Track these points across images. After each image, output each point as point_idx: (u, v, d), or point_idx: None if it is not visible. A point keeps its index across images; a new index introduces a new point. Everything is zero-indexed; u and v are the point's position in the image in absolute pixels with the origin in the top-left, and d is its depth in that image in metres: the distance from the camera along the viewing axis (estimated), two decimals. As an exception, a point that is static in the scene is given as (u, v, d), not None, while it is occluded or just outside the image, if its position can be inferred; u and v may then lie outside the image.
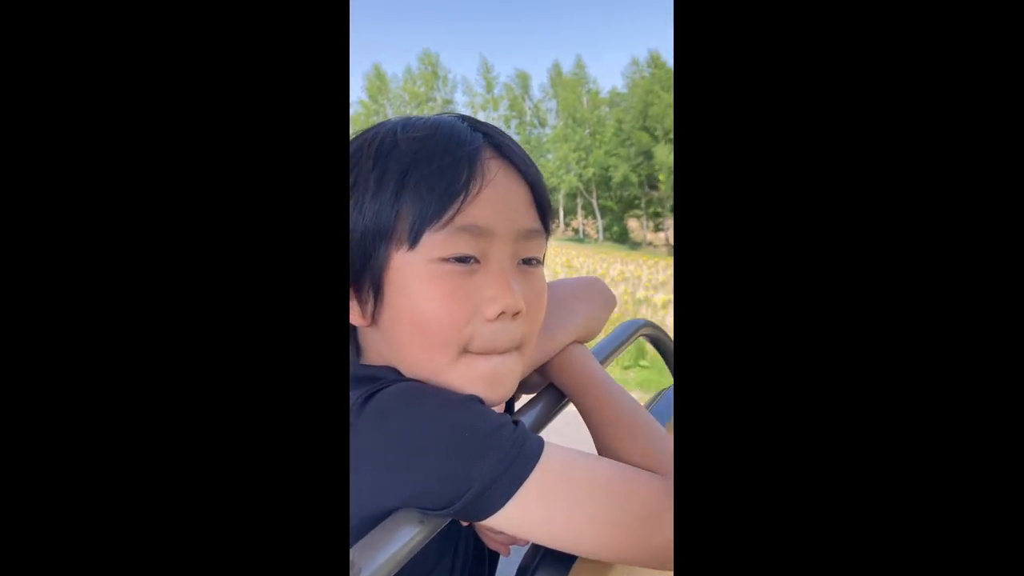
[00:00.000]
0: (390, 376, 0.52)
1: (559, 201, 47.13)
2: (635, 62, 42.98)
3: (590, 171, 43.65)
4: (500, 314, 0.51)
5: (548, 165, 44.90)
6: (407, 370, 0.53)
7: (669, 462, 0.53)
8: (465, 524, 0.59)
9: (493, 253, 0.52)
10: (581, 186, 44.68)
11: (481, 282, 0.51)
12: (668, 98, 36.79)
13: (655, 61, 40.83)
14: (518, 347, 0.55)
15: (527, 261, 0.55)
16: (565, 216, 48.69)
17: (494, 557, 0.69)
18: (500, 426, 0.48)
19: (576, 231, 47.56)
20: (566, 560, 0.54)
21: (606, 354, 0.80)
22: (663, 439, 0.56)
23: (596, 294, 0.72)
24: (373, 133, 0.54)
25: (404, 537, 0.44)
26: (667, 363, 1.06)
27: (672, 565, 0.46)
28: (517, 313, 0.52)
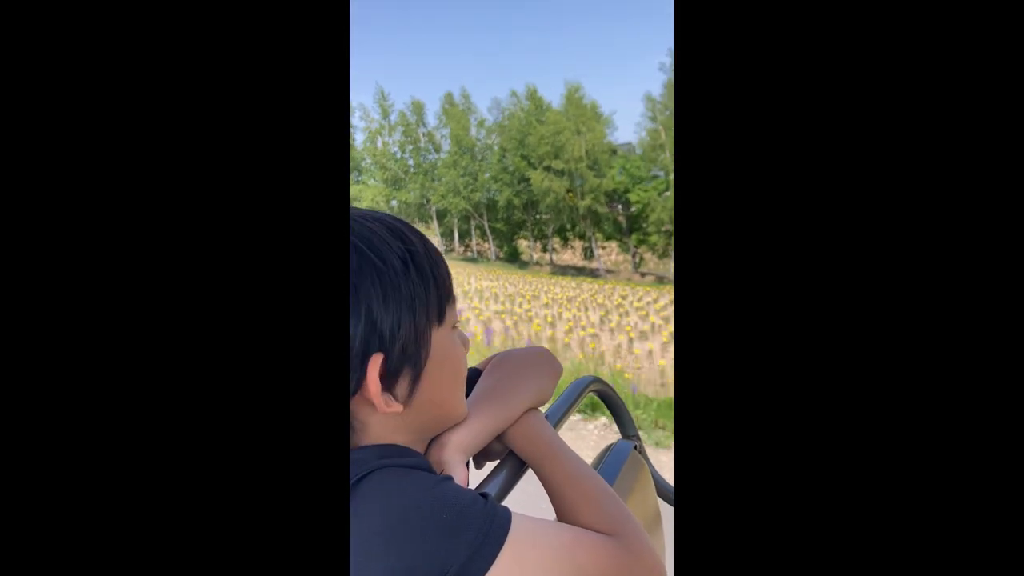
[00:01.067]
0: (372, 461, 0.55)
1: (454, 223, 49.53)
2: (514, 93, 45.94)
3: (477, 195, 46.21)
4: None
5: (440, 188, 47.19)
6: (442, 422, 0.65)
7: (620, 524, 0.60)
8: None
9: None
10: (471, 208, 47.15)
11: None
12: (542, 129, 39.81)
13: (531, 94, 43.87)
14: None
15: None
16: (461, 238, 51.10)
17: None
18: (472, 503, 0.53)
19: (471, 252, 50.02)
20: None
21: (560, 415, 0.87)
22: (613, 501, 0.63)
23: (544, 362, 0.80)
24: (376, 254, 0.57)
25: None
26: (614, 416, 1.12)
27: None
28: None
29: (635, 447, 1.03)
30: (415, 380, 0.60)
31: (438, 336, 0.61)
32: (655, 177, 38.01)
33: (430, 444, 0.65)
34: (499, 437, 0.70)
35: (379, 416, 0.59)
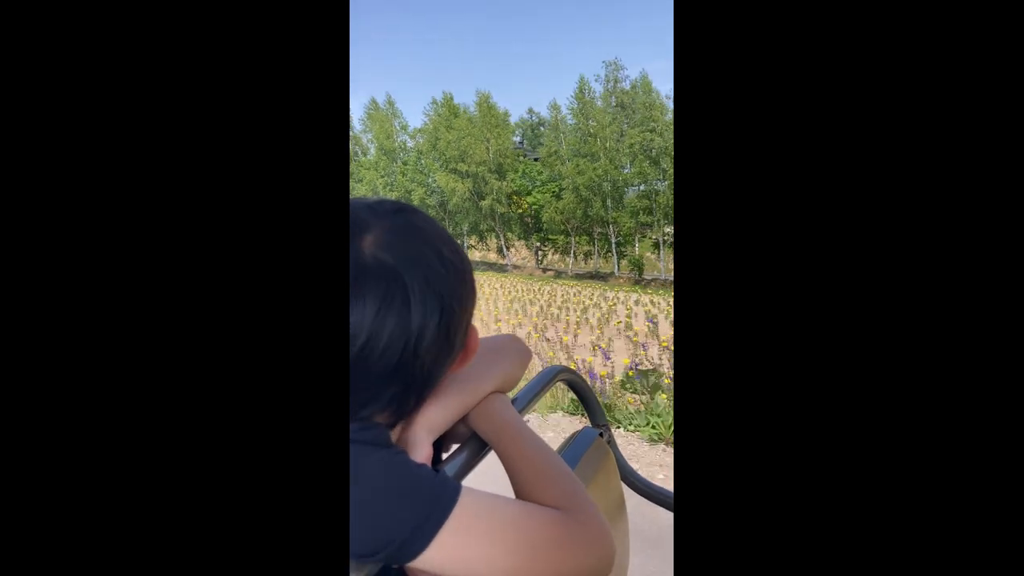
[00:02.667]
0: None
1: (377, 221, 52.52)
2: (434, 101, 49.36)
3: (394, 194, 49.44)
4: None
5: (360, 189, 50.21)
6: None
7: (570, 499, 0.61)
8: (396, 568, 0.63)
9: None
10: (390, 208, 50.36)
11: None
12: (449, 135, 43.19)
13: (447, 101, 47.34)
14: None
15: None
16: (385, 235, 54.03)
17: None
18: (421, 476, 0.55)
19: (394, 248, 53.12)
20: None
21: (527, 401, 0.87)
22: (566, 478, 0.64)
23: (513, 349, 0.82)
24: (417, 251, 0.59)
25: None
26: (584, 405, 1.14)
27: None
28: None
29: (600, 435, 1.06)
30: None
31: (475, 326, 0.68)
32: (552, 180, 41.77)
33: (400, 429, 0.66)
34: (464, 420, 0.73)
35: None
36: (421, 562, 0.53)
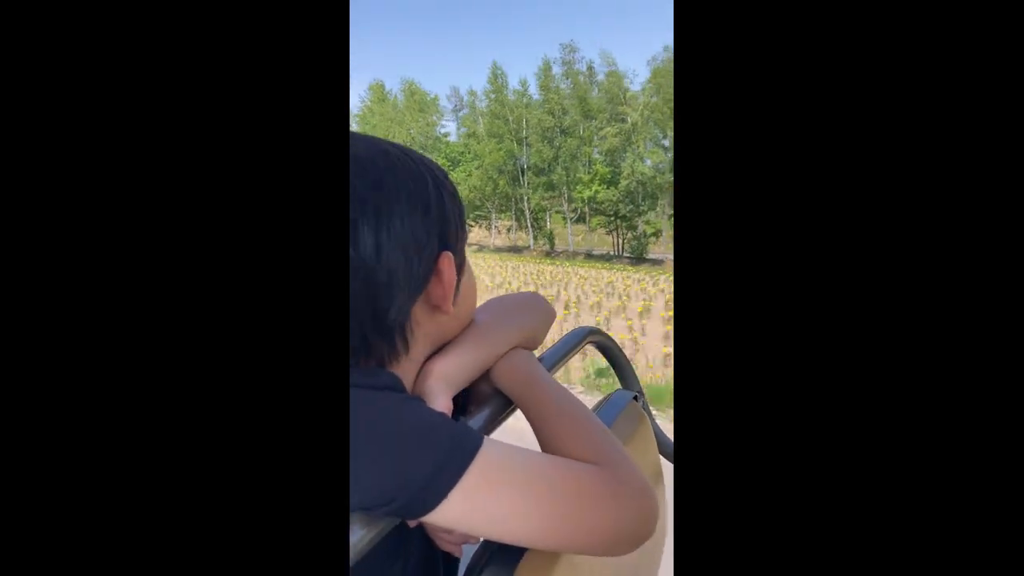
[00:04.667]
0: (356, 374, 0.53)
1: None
2: (370, 87, 52.51)
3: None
4: None
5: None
6: (453, 334, 0.65)
7: (605, 453, 0.55)
8: (413, 526, 0.60)
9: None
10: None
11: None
12: (373, 119, 46.22)
13: (375, 88, 50.44)
14: None
15: None
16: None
17: (450, 562, 0.70)
18: (439, 422, 0.50)
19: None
20: (514, 555, 0.55)
21: (554, 361, 0.81)
22: (603, 433, 0.58)
23: (536, 306, 0.77)
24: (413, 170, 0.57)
25: (353, 536, 0.45)
26: (614, 368, 1.06)
27: (613, 552, 0.51)
28: None
29: (635, 398, 0.96)
30: (457, 287, 0.61)
31: (464, 253, 0.63)
32: (472, 160, 45.02)
33: (415, 379, 0.62)
34: (486, 377, 0.68)
35: (423, 328, 0.60)
36: (438, 516, 0.48)
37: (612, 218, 38.36)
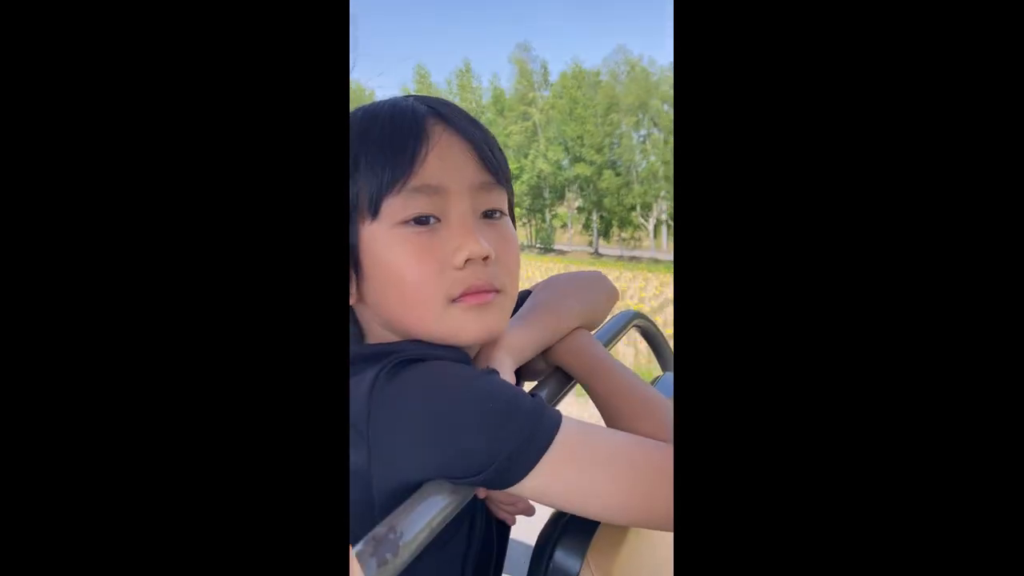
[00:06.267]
0: (408, 348, 0.54)
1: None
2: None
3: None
4: (467, 260, 0.55)
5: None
6: (399, 331, 0.58)
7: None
8: (482, 496, 0.60)
9: (451, 209, 0.56)
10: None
11: (445, 236, 0.55)
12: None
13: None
14: (499, 289, 0.58)
15: (489, 214, 0.59)
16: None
17: (502, 528, 0.70)
18: (519, 396, 0.50)
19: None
20: (589, 528, 0.56)
21: (603, 343, 0.79)
22: (672, 412, 0.57)
23: (600, 286, 0.76)
24: None
25: (438, 505, 0.47)
26: (656, 354, 1.06)
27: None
28: (486, 258, 0.56)
29: None
30: (358, 275, 0.57)
31: (371, 234, 0.55)
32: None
33: (479, 352, 0.62)
34: (544, 355, 0.68)
35: (369, 312, 0.59)
36: (521, 488, 0.49)
37: (522, 211, 40.91)
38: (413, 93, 0.68)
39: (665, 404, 0.59)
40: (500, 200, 0.60)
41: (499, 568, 0.71)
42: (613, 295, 0.78)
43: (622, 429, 0.58)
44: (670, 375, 1.00)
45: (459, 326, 0.56)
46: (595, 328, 0.74)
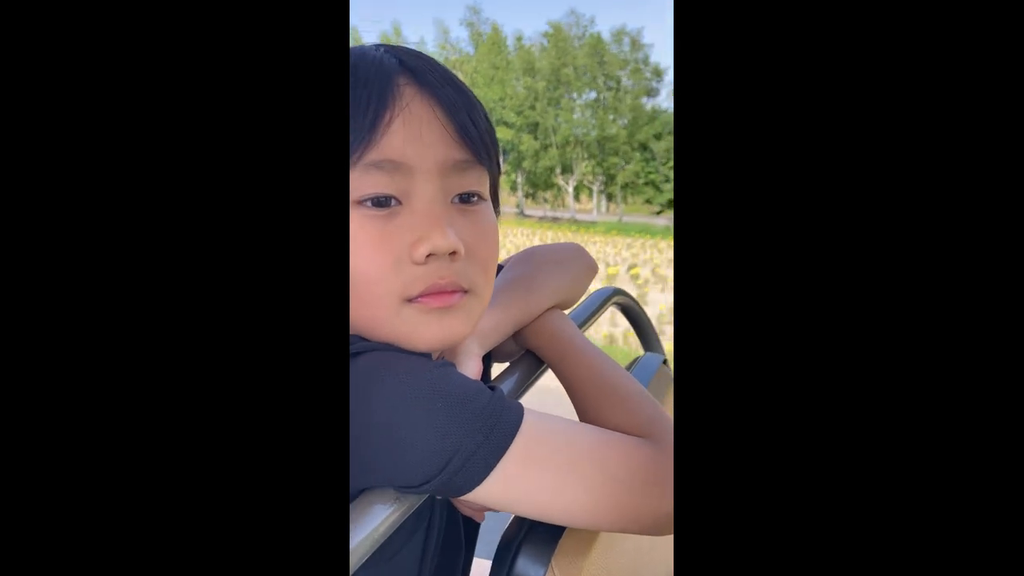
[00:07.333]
0: (357, 344, 0.47)
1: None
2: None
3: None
4: (429, 256, 0.47)
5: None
6: (352, 329, 0.49)
7: (655, 424, 0.51)
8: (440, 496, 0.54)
9: (416, 190, 0.48)
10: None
11: (405, 223, 0.47)
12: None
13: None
14: (467, 290, 0.50)
15: (465, 198, 0.50)
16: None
17: (470, 524, 0.67)
18: (476, 393, 0.44)
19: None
20: (554, 532, 0.52)
21: (579, 323, 0.76)
22: (650, 403, 0.54)
23: (577, 260, 0.71)
24: None
25: (378, 517, 0.42)
26: (637, 331, 1.02)
27: (666, 531, 0.47)
28: (454, 253, 0.48)
29: (665, 362, 0.92)
30: None
31: None
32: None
33: None
34: (516, 335, 0.62)
35: None
36: (477, 495, 0.44)
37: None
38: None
39: (639, 392, 0.55)
40: (479, 181, 0.51)
41: (467, 568, 0.68)
42: (592, 269, 0.73)
43: (591, 420, 0.55)
44: (651, 355, 0.95)
45: (413, 331, 0.49)
46: (572, 305, 0.71)
